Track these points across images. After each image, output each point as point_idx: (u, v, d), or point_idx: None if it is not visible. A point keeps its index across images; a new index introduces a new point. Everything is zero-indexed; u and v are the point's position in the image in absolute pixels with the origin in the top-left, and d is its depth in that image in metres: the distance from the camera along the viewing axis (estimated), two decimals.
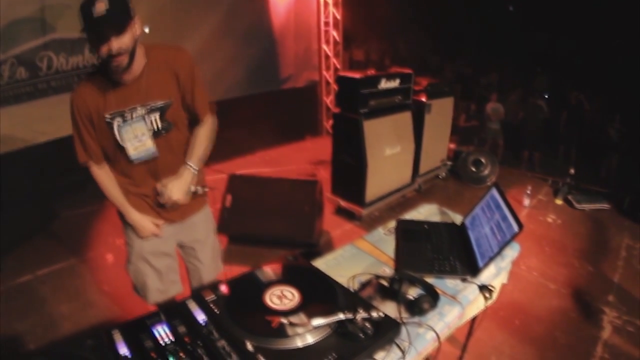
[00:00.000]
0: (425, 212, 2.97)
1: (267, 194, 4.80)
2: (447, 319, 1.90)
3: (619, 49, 8.98)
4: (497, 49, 10.62)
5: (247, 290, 1.84)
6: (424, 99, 6.25)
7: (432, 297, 1.89)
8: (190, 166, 2.35)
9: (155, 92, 2.17)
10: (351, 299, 1.79)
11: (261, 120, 9.13)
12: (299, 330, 1.57)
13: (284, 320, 1.60)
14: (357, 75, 5.39)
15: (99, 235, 5.10)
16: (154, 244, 2.45)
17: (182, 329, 1.62)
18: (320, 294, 1.81)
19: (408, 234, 2.54)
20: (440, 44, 11.68)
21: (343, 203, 5.80)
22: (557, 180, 7.07)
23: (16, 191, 4.91)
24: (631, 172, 7.01)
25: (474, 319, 2.59)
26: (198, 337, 1.58)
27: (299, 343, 1.54)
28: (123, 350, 1.53)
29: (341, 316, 1.59)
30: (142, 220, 2.36)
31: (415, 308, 1.84)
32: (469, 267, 2.21)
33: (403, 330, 1.70)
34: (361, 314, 1.59)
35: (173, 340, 1.58)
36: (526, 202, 6.30)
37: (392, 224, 2.70)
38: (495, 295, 2.24)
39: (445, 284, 2.12)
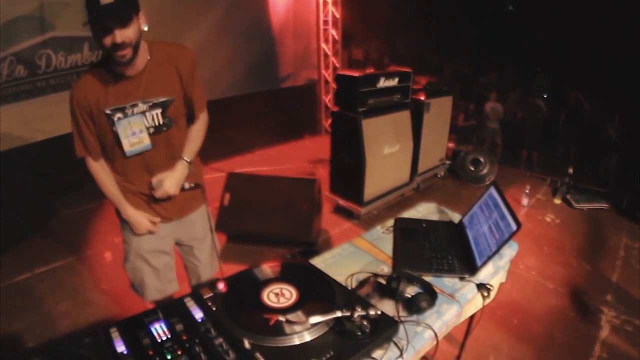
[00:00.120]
0: (424, 211, 2.97)
1: (265, 193, 4.80)
2: (445, 318, 1.91)
3: (618, 49, 8.98)
4: (496, 49, 10.62)
5: (245, 288, 1.84)
6: (422, 98, 6.24)
7: (430, 295, 1.89)
8: (185, 160, 2.36)
9: (157, 88, 2.18)
10: (349, 297, 1.79)
11: (260, 119, 9.14)
12: (297, 328, 1.57)
13: (281, 318, 1.60)
14: (356, 73, 5.39)
15: (97, 234, 5.10)
16: (152, 242, 2.45)
17: (179, 327, 1.61)
18: (317, 292, 1.81)
19: (406, 232, 2.54)
20: (439, 43, 11.68)
21: (342, 202, 5.80)
22: (556, 179, 7.08)
23: (15, 189, 4.89)
24: (630, 172, 7.01)
25: (472, 318, 2.59)
26: (195, 335, 1.58)
27: (297, 341, 1.54)
28: (120, 347, 1.53)
29: (339, 314, 1.59)
30: (138, 216, 2.35)
31: (413, 306, 1.84)
32: (467, 265, 2.22)
33: (401, 328, 1.71)
34: (359, 312, 1.59)
35: (170, 337, 1.57)
36: (525, 201, 6.30)
37: (390, 222, 2.70)
38: (493, 294, 2.25)
39: (444, 283, 2.12)
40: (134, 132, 2.15)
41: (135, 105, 2.13)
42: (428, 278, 2.09)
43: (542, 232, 5.56)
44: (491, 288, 2.14)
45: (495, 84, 9.86)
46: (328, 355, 1.47)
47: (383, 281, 2.01)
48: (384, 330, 1.61)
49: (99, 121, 2.13)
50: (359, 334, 1.57)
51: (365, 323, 1.59)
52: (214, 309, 1.72)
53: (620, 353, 3.56)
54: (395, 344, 1.66)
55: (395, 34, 12.00)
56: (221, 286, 1.83)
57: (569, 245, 5.28)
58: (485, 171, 7.04)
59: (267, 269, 1.95)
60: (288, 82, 8.49)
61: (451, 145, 7.50)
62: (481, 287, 2.11)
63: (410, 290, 1.96)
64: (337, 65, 8.95)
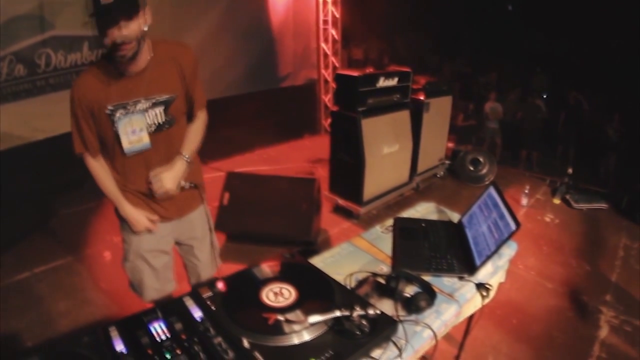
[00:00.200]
0: (423, 211, 2.97)
1: (265, 192, 4.80)
2: (444, 317, 1.91)
3: (618, 49, 9.00)
4: (496, 49, 10.63)
5: (244, 288, 1.84)
6: (422, 98, 6.24)
7: (429, 295, 1.89)
8: (184, 157, 2.35)
9: (159, 85, 2.18)
10: (348, 297, 1.79)
11: (260, 119, 9.14)
12: (296, 327, 1.57)
13: (280, 317, 1.60)
14: (355, 73, 5.39)
15: (96, 233, 5.10)
16: (151, 242, 2.44)
17: (178, 326, 1.61)
18: (317, 291, 1.81)
19: (405, 232, 2.54)
20: (439, 43, 11.69)
21: (341, 201, 5.80)
22: (555, 179, 7.08)
23: (14, 189, 4.90)
24: (629, 172, 7.02)
25: (471, 318, 2.59)
26: (194, 334, 1.58)
27: (296, 340, 1.54)
28: (120, 347, 1.53)
29: (338, 313, 1.59)
30: (137, 215, 2.34)
31: (412, 306, 1.84)
32: (466, 265, 2.22)
33: (400, 328, 1.71)
34: (358, 312, 1.59)
35: (169, 336, 1.57)
36: (524, 201, 6.30)
37: (389, 222, 2.70)
38: (492, 293, 2.25)
39: (443, 282, 2.12)
40: (134, 131, 2.15)
41: (138, 101, 2.13)
42: (427, 278, 2.08)
43: (542, 232, 5.56)
44: (490, 288, 2.14)
45: (494, 84, 9.88)
46: (327, 355, 1.47)
47: (382, 281, 2.00)
48: (382, 329, 1.61)
49: (100, 118, 2.12)
50: (358, 333, 1.57)
51: (364, 322, 1.59)
52: (213, 308, 1.72)
53: (620, 353, 3.56)
54: (394, 344, 1.65)
55: (395, 34, 12.01)
56: (220, 285, 1.83)
57: (568, 245, 5.28)
58: (484, 171, 7.04)
59: (266, 268, 1.95)
60: (288, 81, 8.48)
61: (450, 145, 7.50)
62: (480, 286, 2.11)
63: (409, 290, 1.96)
64: (337, 64, 8.94)
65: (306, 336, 1.56)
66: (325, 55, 8.88)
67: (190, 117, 2.44)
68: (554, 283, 4.49)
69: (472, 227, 2.45)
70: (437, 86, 6.60)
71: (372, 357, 1.57)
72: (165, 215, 2.42)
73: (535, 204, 6.45)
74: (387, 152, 5.74)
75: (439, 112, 6.67)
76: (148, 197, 2.34)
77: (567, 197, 6.48)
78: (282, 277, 1.89)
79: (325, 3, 8.45)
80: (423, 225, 2.64)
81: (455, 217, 2.82)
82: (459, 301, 2.01)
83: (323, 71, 9.00)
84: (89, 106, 2.09)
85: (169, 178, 2.29)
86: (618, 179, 7.36)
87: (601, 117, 8.17)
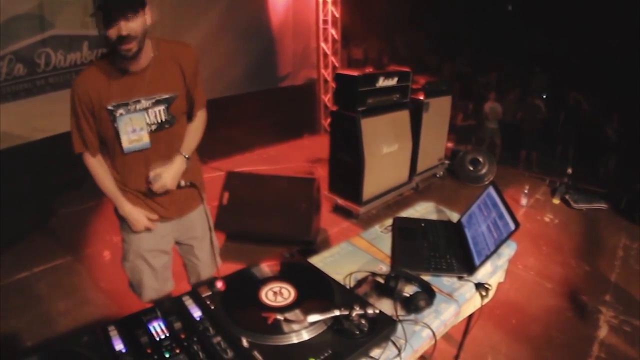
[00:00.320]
0: (422, 210, 2.97)
1: (264, 192, 4.80)
2: (443, 317, 1.91)
3: (617, 50, 9.00)
4: (495, 49, 10.63)
5: (243, 287, 1.84)
6: (421, 98, 6.24)
7: (428, 294, 1.89)
8: (183, 155, 2.36)
9: (161, 84, 2.18)
10: (347, 296, 1.79)
11: (259, 118, 9.14)
12: (295, 326, 1.57)
13: (279, 317, 1.60)
14: (355, 73, 5.39)
15: (96, 233, 5.09)
16: (152, 241, 2.44)
17: (177, 325, 1.62)
18: (316, 290, 1.81)
19: (405, 231, 2.54)
20: (438, 43, 11.69)
21: (340, 201, 5.80)
22: (555, 180, 7.08)
23: (14, 188, 4.90)
24: (629, 172, 7.02)
25: (470, 317, 2.59)
26: (194, 333, 1.58)
27: (295, 339, 1.54)
28: (119, 346, 1.53)
29: (337, 313, 1.59)
30: (136, 213, 2.33)
31: (411, 305, 1.84)
32: (466, 265, 2.22)
33: (399, 327, 1.71)
34: (357, 311, 1.59)
35: (169, 336, 1.58)
36: (523, 201, 6.30)
37: (388, 221, 2.70)
38: (491, 293, 2.25)
39: (442, 282, 2.13)
40: (134, 129, 2.15)
41: (139, 101, 2.13)
42: (426, 277, 2.09)
43: (541, 232, 5.57)
44: (489, 287, 2.14)
45: (494, 84, 9.88)
46: (326, 354, 1.48)
47: (381, 280, 2.01)
48: (382, 329, 1.62)
49: (100, 116, 2.11)
50: (357, 332, 1.57)
51: (363, 322, 1.59)
52: (212, 307, 1.72)
53: (619, 353, 3.57)
54: (394, 343, 1.66)
55: (395, 34, 12.02)
56: (219, 285, 1.83)
57: (568, 246, 5.28)
58: (484, 171, 7.04)
59: (266, 267, 1.96)
60: (287, 81, 8.48)
61: (450, 145, 7.50)
62: (479, 286, 2.12)
63: (409, 290, 1.96)
64: (337, 64, 8.94)
65: (305, 335, 1.56)
66: (325, 55, 8.88)
67: (190, 116, 2.44)
68: (553, 283, 4.49)
69: (471, 227, 2.45)
70: (437, 86, 6.59)
71: (371, 357, 1.58)
72: (165, 215, 2.42)
73: (534, 204, 6.45)
74: (387, 151, 5.74)
75: (439, 112, 6.68)
76: (148, 197, 2.34)
77: (567, 197, 6.48)
78: (281, 276, 1.89)
79: (325, 3, 8.45)
80: (422, 225, 2.64)
81: (454, 216, 2.83)
82: (458, 301, 2.01)
83: (323, 71, 9.00)
84: (89, 104, 2.08)
85: (168, 177, 2.29)
86: (617, 179, 7.36)
87: (601, 117, 8.18)
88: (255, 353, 1.47)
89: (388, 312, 1.74)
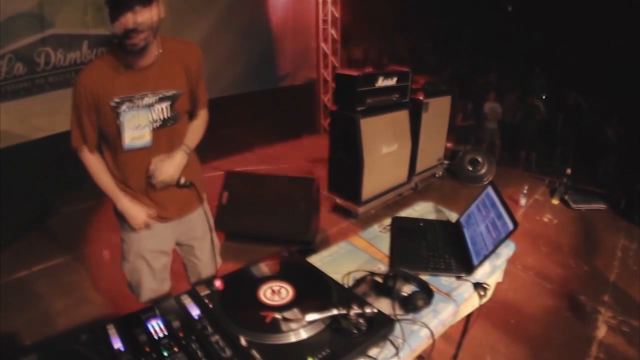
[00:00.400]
0: (421, 210, 2.97)
1: (263, 191, 4.80)
2: (441, 317, 1.91)
3: (617, 50, 9.00)
4: (495, 49, 10.63)
5: (242, 286, 1.84)
6: (421, 98, 6.25)
7: (426, 294, 1.89)
8: (185, 149, 2.35)
9: (166, 81, 2.18)
10: (345, 295, 1.79)
11: (259, 118, 9.15)
12: (293, 325, 1.58)
13: (277, 316, 1.61)
14: (354, 73, 5.39)
15: (95, 232, 5.10)
16: (153, 242, 2.43)
17: (176, 324, 1.62)
18: (314, 290, 1.82)
19: (403, 231, 2.54)
20: (438, 43, 11.69)
21: (339, 201, 5.80)
22: (554, 180, 7.08)
23: (13, 187, 4.90)
24: (628, 172, 7.02)
25: (469, 317, 2.59)
26: (192, 332, 1.59)
27: (293, 338, 1.55)
28: (117, 344, 1.53)
29: (335, 312, 1.59)
30: (134, 209, 2.31)
31: (410, 305, 1.84)
32: (464, 265, 2.22)
33: (397, 327, 1.71)
34: (355, 310, 1.59)
35: (167, 334, 1.58)
36: (522, 201, 6.30)
37: (387, 221, 2.70)
38: (490, 293, 2.25)
39: (440, 282, 2.13)
40: (138, 127, 2.14)
41: (145, 95, 2.12)
42: (425, 277, 2.09)
43: (540, 233, 5.57)
44: (488, 287, 2.14)
45: (494, 84, 9.87)
46: (324, 353, 1.48)
47: (380, 280, 2.01)
48: (380, 328, 1.62)
49: (103, 111, 2.10)
50: (355, 332, 1.57)
51: (361, 321, 1.60)
52: (210, 306, 1.73)
53: (617, 353, 3.57)
54: (392, 342, 1.66)
55: (395, 34, 12.01)
56: (218, 284, 1.84)
57: (567, 246, 5.29)
58: (483, 171, 7.05)
59: (264, 266, 1.96)
60: (287, 81, 8.49)
61: (449, 145, 7.50)
62: (478, 286, 2.12)
63: (407, 289, 1.97)
64: (336, 64, 8.95)
65: (303, 334, 1.56)
66: (325, 54, 8.89)
67: (192, 116, 2.45)
68: (552, 283, 4.50)
69: (470, 227, 2.45)
70: (436, 86, 6.60)
71: (369, 356, 1.58)
72: (165, 215, 2.42)
73: (533, 205, 6.46)
74: (386, 151, 5.74)
75: (438, 112, 6.68)
76: (148, 196, 2.34)
77: (566, 197, 6.48)
78: (279, 275, 1.89)
79: (325, 3, 8.45)
80: (421, 224, 2.64)
81: (453, 216, 2.83)
82: (456, 300, 2.01)
83: (322, 71, 9.00)
84: (93, 98, 2.07)
85: (170, 169, 2.27)
86: (617, 179, 7.36)
87: (600, 118, 8.17)
88: (254, 352, 1.47)
89: (386, 311, 1.75)
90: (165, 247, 2.52)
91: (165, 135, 2.25)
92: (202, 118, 2.51)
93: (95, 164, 2.26)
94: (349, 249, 2.42)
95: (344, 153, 5.55)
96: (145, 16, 1.90)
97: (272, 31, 7.77)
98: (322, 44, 8.79)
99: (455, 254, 2.31)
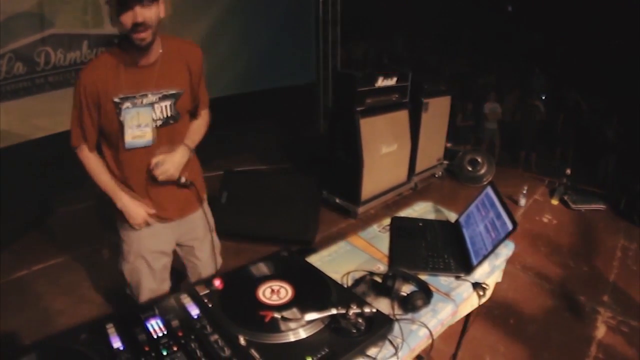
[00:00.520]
0: (420, 210, 2.98)
1: (263, 191, 4.81)
2: (440, 316, 1.91)
3: (617, 50, 8.99)
4: (495, 49, 10.62)
5: (241, 285, 1.85)
6: (421, 98, 6.24)
7: (425, 294, 1.89)
8: (187, 146, 2.35)
9: (169, 80, 2.18)
10: (344, 295, 1.80)
11: (258, 118, 9.14)
12: (292, 324, 1.58)
13: (276, 315, 1.61)
14: (354, 73, 5.39)
15: (94, 231, 5.09)
16: (154, 243, 2.44)
17: (175, 323, 1.62)
18: (313, 289, 1.82)
19: (403, 231, 2.55)
20: (438, 43, 11.67)
21: (339, 201, 5.81)
22: (554, 180, 7.08)
23: (13, 186, 4.90)
24: (628, 173, 7.02)
25: (468, 317, 2.60)
26: (191, 331, 1.59)
27: (292, 338, 1.55)
28: (116, 343, 1.53)
29: (334, 311, 1.59)
30: (134, 206, 2.29)
31: (408, 305, 1.84)
32: (463, 264, 2.22)
33: (396, 326, 1.71)
34: (354, 310, 1.59)
35: (166, 333, 1.58)
36: (522, 202, 6.30)
37: (386, 221, 2.71)
38: (489, 293, 2.25)
39: (439, 282, 2.13)
40: (140, 125, 2.14)
41: (145, 95, 2.12)
42: (424, 277, 2.09)
43: (539, 233, 5.57)
44: (487, 287, 2.14)
45: (494, 84, 9.87)
46: (323, 353, 1.48)
47: (379, 279, 2.01)
48: (379, 328, 1.62)
49: (106, 109, 2.10)
50: (354, 331, 1.58)
51: (360, 321, 1.60)
52: (210, 305, 1.73)
53: (617, 354, 3.57)
54: (390, 342, 1.66)
55: (395, 34, 12.00)
56: (217, 283, 1.84)
57: (566, 246, 5.29)
58: (482, 171, 7.05)
59: (263, 266, 1.96)
60: (287, 81, 8.48)
61: (449, 145, 7.50)
62: (477, 286, 2.12)
63: (406, 289, 1.97)
64: (336, 64, 8.93)
65: (302, 334, 1.56)
66: (325, 55, 8.87)
67: (193, 116, 2.47)
68: (551, 283, 4.50)
69: (469, 227, 2.45)
70: (436, 86, 6.61)
71: (368, 356, 1.58)
72: (166, 215, 2.42)
73: (533, 205, 6.46)
74: (386, 151, 5.74)
75: (438, 112, 6.68)
76: (149, 196, 2.34)
77: (566, 197, 6.48)
78: (279, 275, 1.89)
79: (324, 2, 8.44)
80: (420, 224, 2.64)
81: (452, 216, 2.83)
82: (455, 300, 2.01)
83: (322, 71, 8.99)
84: (95, 95, 2.06)
85: (172, 164, 2.26)
86: (616, 180, 7.35)
87: (600, 118, 8.17)
88: (253, 351, 1.48)
89: (385, 311, 1.75)
90: (166, 248, 2.51)
91: (167, 134, 2.25)
92: (203, 118, 2.52)
93: (94, 162, 2.26)
94: (348, 249, 2.42)
95: (344, 153, 5.56)
96: (152, 11, 1.92)
97: (272, 31, 7.76)
98: (322, 44, 8.77)
99: (454, 254, 2.31)
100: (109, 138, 2.22)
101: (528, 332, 3.78)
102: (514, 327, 3.84)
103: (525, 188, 6.35)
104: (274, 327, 1.58)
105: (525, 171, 8.04)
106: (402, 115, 6.03)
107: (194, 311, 1.70)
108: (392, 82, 5.74)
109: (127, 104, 2.09)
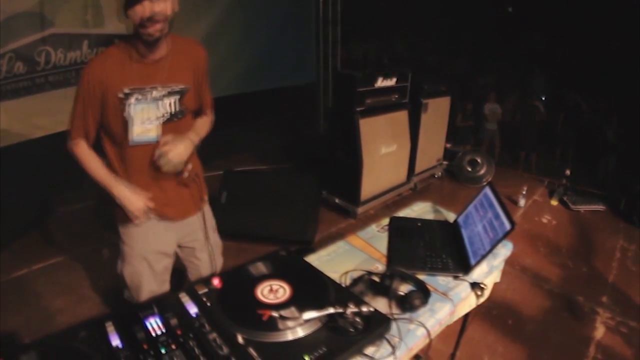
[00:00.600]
0: (419, 210, 2.98)
1: (262, 191, 4.82)
2: (438, 316, 1.92)
3: (617, 51, 8.99)
4: (495, 50, 10.62)
5: (239, 284, 1.85)
6: (420, 98, 6.25)
7: (423, 293, 1.90)
8: (191, 139, 2.33)
9: (176, 75, 2.20)
10: (342, 294, 1.81)
11: (258, 118, 9.14)
12: (290, 323, 1.59)
13: (275, 314, 1.61)
14: (354, 73, 5.40)
15: (94, 231, 5.10)
16: (156, 243, 2.44)
17: (174, 321, 1.63)
18: (311, 288, 1.83)
19: (401, 231, 2.55)
20: (438, 44, 11.68)
21: (338, 201, 5.81)
22: (554, 181, 7.08)
23: (13, 186, 4.90)
24: (628, 174, 7.02)
25: (466, 317, 2.60)
26: (190, 330, 1.60)
27: (290, 336, 1.56)
28: (115, 341, 1.54)
29: (331, 310, 1.60)
30: (133, 197, 2.24)
31: (406, 304, 1.85)
32: (461, 264, 2.23)
33: (393, 325, 1.72)
34: (351, 309, 1.60)
35: (165, 332, 1.59)
36: (522, 202, 6.30)
37: (385, 221, 2.72)
38: (487, 293, 2.26)
39: (437, 281, 2.14)
40: (146, 120, 2.15)
41: (154, 88, 2.13)
42: (422, 276, 2.09)
43: (539, 233, 5.57)
44: (485, 287, 2.15)
45: (494, 85, 9.87)
46: (320, 351, 1.49)
47: (377, 279, 2.02)
48: (376, 327, 1.63)
49: (110, 103, 2.10)
50: (352, 330, 1.58)
51: (357, 320, 1.61)
52: (208, 304, 1.74)
53: (615, 354, 3.57)
54: (388, 341, 1.67)
55: (395, 34, 12.00)
56: (216, 282, 1.85)
57: (565, 247, 5.29)
58: (482, 172, 7.05)
59: (262, 265, 1.97)
60: (287, 81, 8.48)
61: (448, 145, 7.50)
62: (475, 286, 2.13)
63: (404, 288, 1.97)
64: (336, 64, 8.93)
65: (300, 332, 1.57)
66: (325, 54, 8.87)
67: (197, 115, 2.48)
68: (550, 284, 4.50)
69: (467, 227, 2.46)
70: (436, 86, 6.60)
71: (366, 355, 1.59)
72: (169, 214, 2.42)
73: (532, 205, 6.46)
74: (385, 152, 5.75)
75: (438, 112, 6.69)
76: (152, 192, 2.33)
77: (565, 198, 6.48)
78: (277, 274, 1.90)
79: (325, 2, 8.44)
80: (419, 224, 2.65)
81: (451, 216, 2.84)
82: (453, 300, 2.02)
83: (322, 71, 8.99)
84: (101, 87, 2.06)
85: (177, 151, 2.22)
86: (616, 180, 7.35)
87: (600, 119, 8.17)
88: (251, 349, 1.48)
89: (383, 310, 1.75)
90: (168, 249, 2.52)
91: (171, 130, 2.25)
92: (207, 117, 2.55)
93: (91, 156, 2.23)
94: (346, 249, 2.43)
95: (343, 153, 5.56)
96: (161, 6, 1.92)
97: (272, 31, 7.76)
98: (322, 44, 8.77)
99: (452, 253, 2.32)
100: (113, 135, 2.22)
101: (527, 333, 3.78)
102: (513, 327, 3.84)
103: (525, 188, 6.35)
104: (272, 325, 1.59)
105: (525, 172, 8.04)
106: (402, 116, 6.04)
107: (193, 310, 1.71)
108: (391, 82, 5.75)
109: (135, 98, 2.10)
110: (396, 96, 5.90)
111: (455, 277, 2.17)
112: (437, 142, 7.02)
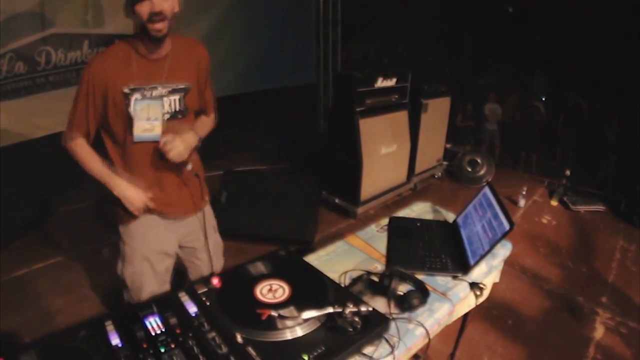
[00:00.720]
0: (419, 210, 2.99)
1: (262, 191, 4.82)
2: (437, 316, 1.92)
3: (617, 51, 8.99)
4: (495, 50, 10.62)
5: (239, 284, 1.86)
6: (420, 98, 6.25)
7: (422, 293, 1.90)
8: (195, 131, 2.33)
9: (179, 74, 2.20)
10: (341, 294, 1.81)
11: (258, 118, 9.13)
12: (289, 323, 1.59)
13: (274, 313, 1.62)
14: (354, 73, 5.40)
15: (94, 231, 5.10)
16: (157, 243, 2.43)
17: (173, 321, 1.63)
18: (310, 288, 1.84)
19: (400, 231, 2.56)
20: (439, 44, 11.68)
21: (338, 201, 5.81)
22: (554, 181, 7.08)
23: (13, 186, 4.91)
24: (628, 174, 7.02)
25: (465, 317, 2.61)
26: (189, 329, 1.60)
27: (289, 336, 1.56)
28: (115, 340, 1.54)
29: (330, 310, 1.60)
30: (133, 191, 2.23)
31: (405, 304, 1.85)
32: (460, 264, 2.23)
33: (392, 325, 1.72)
34: (350, 309, 1.61)
35: (164, 331, 1.59)
36: (521, 202, 6.30)
37: (384, 221, 2.72)
38: (486, 293, 2.26)
39: (436, 281, 2.14)
40: (149, 118, 2.14)
41: (155, 88, 2.13)
42: (421, 276, 2.10)
43: (539, 234, 5.57)
44: (484, 287, 2.15)
45: (494, 85, 9.87)
46: (319, 351, 1.49)
47: (376, 279, 2.02)
48: (375, 326, 1.63)
49: (114, 100, 2.09)
50: (350, 330, 1.59)
51: (356, 319, 1.61)
52: (207, 303, 1.74)
53: (615, 355, 3.57)
54: (387, 341, 1.67)
55: (395, 34, 12.00)
56: (215, 282, 1.85)
57: (565, 247, 5.29)
58: (482, 172, 7.05)
59: (261, 265, 1.97)
60: (287, 81, 8.48)
61: (448, 146, 7.50)
62: (474, 286, 2.13)
63: (403, 288, 1.98)
64: (337, 64, 8.93)
65: (299, 332, 1.58)
66: (325, 54, 8.87)
67: (199, 116, 2.50)
68: (550, 284, 4.51)
69: (466, 227, 2.46)
70: (436, 87, 6.61)
71: (364, 354, 1.59)
72: (171, 213, 2.42)
73: (532, 206, 6.46)
74: (385, 152, 5.75)
75: (438, 112, 6.69)
76: (155, 191, 2.33)
77: (565, 198, 6.49)
78: (276, 274, 1.91)
79: (325, 2, 8.44)
80: (418, 224, 2.65)
81: (450, 217, 2.84)
82: (452, 300, 2.02)
83: (322, 71, 8.99)
84: (104, 83, 2.06)
85: (182, 143, 2.20)
86: (616, 181, 7.35)
87: (600, 120, 8.17)
88: (249, 349, 1.49)
89: (382, 310, 1.76)
90: (169, 249, 2.51)
91: (173, 128, 2.23)
92: (211, 117, 2.56)
93: (88, 152, 2.22)
94: (346, 249, 2.43)
95: (343, 153, 5.57)
96: (168, 2, 1.94)
97: (272, 31, 7.76)
98: (322, 44, 8.77)
99: (451, 253, 2.32)
100: (114, 134, 2.21)
101: (526, 333, 3.79)
102: (512, 327, 3.84)
103: (525, 189, 6.35)
104: (271, 325, 1.59)
105: (525, 172, 8.03)
106: (402, 116, 6.04)
107: (192, 309, 1.71)
108: (391, 82, 5.75)
109: (137, 95, 2.10)
110: (396, 96, 5.90)
111: (454, 277, 2.17)
112: (437, 143, 7.02)
